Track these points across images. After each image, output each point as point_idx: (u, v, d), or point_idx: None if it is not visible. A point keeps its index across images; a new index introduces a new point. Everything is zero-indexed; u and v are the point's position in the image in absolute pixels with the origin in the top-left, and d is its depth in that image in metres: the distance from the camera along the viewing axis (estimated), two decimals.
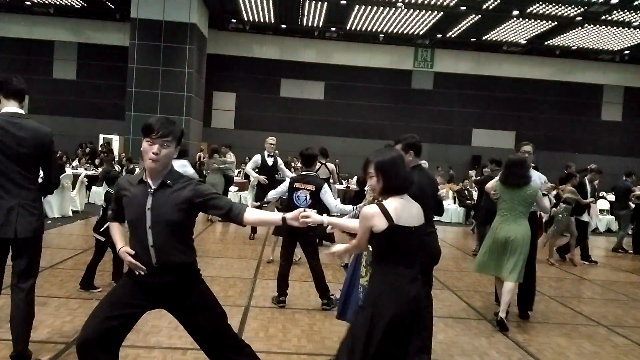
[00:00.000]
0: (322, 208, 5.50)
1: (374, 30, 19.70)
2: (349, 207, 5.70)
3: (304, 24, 19.58)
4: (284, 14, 18.89)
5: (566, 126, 21.61)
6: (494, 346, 4.50)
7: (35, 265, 3.37)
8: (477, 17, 17.23)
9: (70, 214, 10.63)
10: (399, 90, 22.05)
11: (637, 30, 17.11)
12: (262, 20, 19.64)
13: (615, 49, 19.86)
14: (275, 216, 2.70)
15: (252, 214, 2.68)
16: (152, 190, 2.61)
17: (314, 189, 5.42)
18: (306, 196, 5.40)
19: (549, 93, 21.82)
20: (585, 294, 5.17)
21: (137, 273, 2.63)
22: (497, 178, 5.40)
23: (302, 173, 5.67)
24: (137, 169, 7.82)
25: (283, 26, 20.18)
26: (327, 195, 5.47)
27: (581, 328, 5.19)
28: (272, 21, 19.68)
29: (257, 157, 8.78)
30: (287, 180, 5.67)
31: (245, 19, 19.59)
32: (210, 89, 20.62)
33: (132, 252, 2.61)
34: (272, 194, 5.88)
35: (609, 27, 17.04)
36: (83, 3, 19.41)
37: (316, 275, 5.43)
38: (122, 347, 2.72)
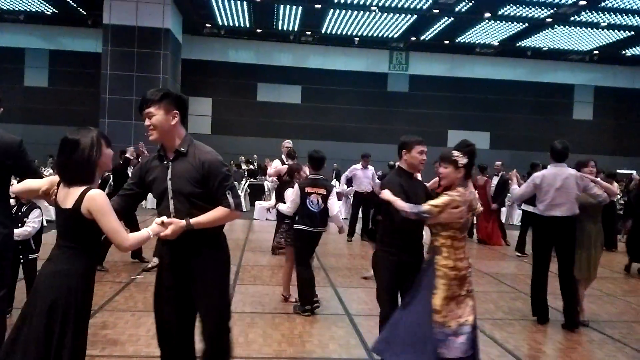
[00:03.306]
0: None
1: (349, 33, 19.82)
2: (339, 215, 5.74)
3: (279, 28, 19.59)
4: (259, 19, 18.87)
5: (539, 126, 22.02)
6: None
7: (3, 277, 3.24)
8: (450, 20, 17.46)
9: (45, 223, 10.41)
10: (375, 93, 22.20)
11: (605, 31, 17.54)
12: (237, 25, 19.59)
13: (585, 50, 20.32)
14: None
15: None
16: (168, 162, 2.72)
17: (325, 193, 5.41)
18: (318, 200, 5.36)
19: (521, 93, 22.21)
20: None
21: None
22: None
23: (311, 177, 5.56)
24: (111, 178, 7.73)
25: (258, 30, 20.15)
26: (334, 200, 5.47)
27: (557, 324, 5.28)
28: (247, 26, 19.64)
29: (276, 162, 8.52)
30: (296, 187, 5.47)
31: (220, 23, 19.51)
32: (186, 95, 20.41)
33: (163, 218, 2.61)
34: (286, 209, 5.50)
35: (578, 28, 17.44)
36: (54, 9, 19.09)
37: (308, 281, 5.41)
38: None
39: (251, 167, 17.71)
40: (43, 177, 2.83)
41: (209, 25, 19.91)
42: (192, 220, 2.58)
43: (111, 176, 7.66)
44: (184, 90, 19.85)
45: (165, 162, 2.74)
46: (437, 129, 21.38)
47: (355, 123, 21.77)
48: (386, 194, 3.43)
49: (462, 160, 3.32)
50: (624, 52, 20.04)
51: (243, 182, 14.84)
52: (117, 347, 4.15)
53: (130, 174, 7.00)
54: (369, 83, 22.08)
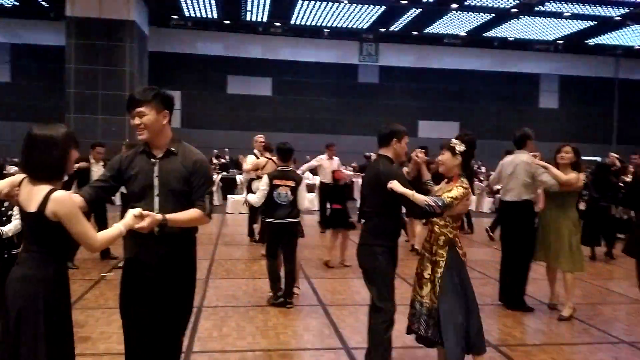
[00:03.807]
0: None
1: (319, 24, 19.76)
2: (310, 206, 5.74)
3: (248, 19, 19.40)
4: (227, 10, 18.64)
5: (506, 115, 22.42)
6: None
7: None
8: (418, 11, 17.58)
9: None
10: (346, 85, 22.24)
11: (569, 21, 17.92)
12: (204, 16, 19.32)
13: (550, 40, 20.74)
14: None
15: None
16: (156, 159, 2.70)
17: (294, 185, 5.38)
18: (287, 193, 5.33)
19: (489, 83, 22.57)
20: (530, 275, 5.45)
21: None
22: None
23: (280, 169, 5.53)
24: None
25: (227, 22, 19.92)
26: (302, 191, 5.46)
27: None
28: (215, 17, 19.39)
29: (251, 157, 8.41)
30: (265, 178, 5.47)
31: (187, 15, 19.21)
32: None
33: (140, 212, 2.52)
34: (254, 200, 5.52)
35: (543, 18, 17.78)
36: (15, 2, 18.47)
37: (290, 273, 5.41)
38: None
39: (223, 160, 17.57)
40: (7, 176, 2.74)
41: (175, 16, 19.58)
42: (168, 216, 2.56)
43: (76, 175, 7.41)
44: (151, 84, 19.32)
45: (152, 160, 2.72)
46: (408, 119, 21.50)
47: (326, 115, 21.79)
48: (397, 187, 3.26)
49: (460, 147, 3.41)
50: (587, 41, 20.52)
51: (215, 176, 14.71)
52: (88, 344, 4.09)
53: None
54: (339, 74, 22.10)
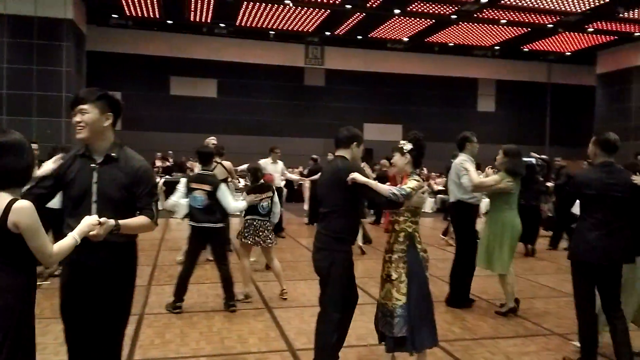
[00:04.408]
0: (220, 207, 5.46)
1: (264, 27, 19.69)
2: (243, 204, 5.71)
3: (192, 19, 19.07)
4: (170, 10, 18.25)
5: (447, 118, 23.12)
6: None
7: None
8: (362, 16, 17.85)
9: None
10: (292, 87, 22.29)
11: (505, 27, 18.71)
12: (146, 16, 18.83)
13: (487, 45, 21.56)
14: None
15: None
16: (96, 164, 2.62)
17: (210, 189, 5.33)
18: (203, 197, 5.29)
19: (431, 87, 23.23)
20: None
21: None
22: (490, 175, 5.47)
23: (198, 172, 5.56)
24: None
25: (169, 22, 19.50)
26: (224, 195, 5.41)
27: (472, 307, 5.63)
28: (158, 17, 18.95)
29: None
30: (183, 181, 5.49)
31: (128, 14, 18.67)
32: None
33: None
34: (170, 201, 5.67)
35: (481, 24, 18.47)
36: None
37: (225, 276, 5.37)
38: None
39: (167, 163, 17.20)
40: None
41: (115, 15, 18.98)
42: (121, 222, 2.51)
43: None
44: (90, 84, 18.76)
45: (91, 165, 2.64)
46: (353, 122, 21.48)
47: (272, 117, 21.74)
48: (359, 177, 3.29)
49: (407, 146, 3.57)
50: (522, 47, 21.48)
51: (158, 179, 14.35)
52: None
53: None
54: (285, 77, 22.11)
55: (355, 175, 3.29)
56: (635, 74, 19.60)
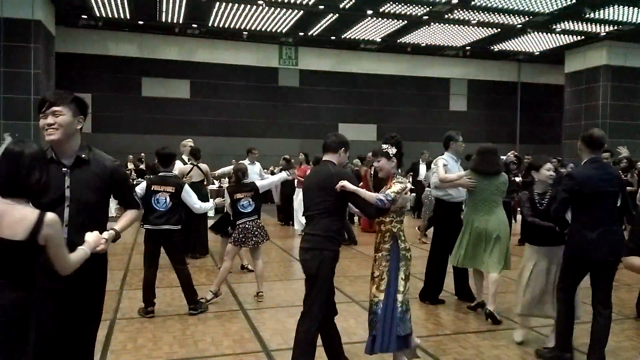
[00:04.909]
0: (185, 209, 5.43)
1: (237, 27, 19.57)
2: (210, 204, 5.69)
3: (163, 20, 18.83)
4: (140, 10, 17.98)
5: (420, 117, 23.36)
6: (361, 326, 4.78)
7: None
8: (336, 16, 17.90)
9: None
10: (266, 88, 22.21)
11: (476, 28, 18.98)
12: (116, 16, 18.51)
13: (459, 46, 21.84)
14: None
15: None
16: (67, 168, 2.60)
17: (173, 191, 5.27)
18: (166, 199, 5.23)
19: (404, 87, 23.41)
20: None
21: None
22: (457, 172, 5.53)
23: (160, 174, 5.49)
24: None
25: (140, 22, 19.21)
26: (188, 196, 5.38)
27: (446, 302, 5.70)
28: (128, 17, 18.65)
29: (177, 163, 8.06)
30: (144, 183, 5.42)
31: (97, 14, 18.33)
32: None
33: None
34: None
35: (452, 25, 18.70)
36: None
37: (183, 280, 5.33)
38: None
39: (141, 166, 16.96)
40: None
41: (85, 16, 18.61)
42: (117, 228, 2.63)
43: None
44: (60, 86, 18.41)
45: (63, 169, 2.60)
46: (328, 122, 21.89)
47: (247, 118, 21.63)
48: (349, 185, 3.40)
49: (392, 150, 3.73)
50: (492, 47, 21.82)
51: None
52: None
53: None
54: (259, 78, 22.02)
55: (345, 184, 3.40)
56: (602, 72, 20.14)
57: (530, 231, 4.40)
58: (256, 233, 5.73)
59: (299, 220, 10.90)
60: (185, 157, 8.39)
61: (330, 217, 3.49)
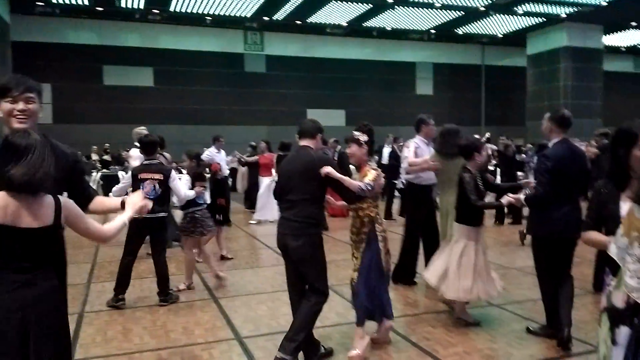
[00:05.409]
0: (169, 196, 5.35)
1: (200, 12, 19.20)
2: (192, 192, 5.61)
3: (123, 6, 18.32)
4: None
5: (388, 102, 23.47)
6: (333, 309, 4.81)
7: None
8: (300, 0, 17.75)
9: None
10: (233, 74, 21.92)
11: (440, 11, 19.13)
12: (73, 3, 17.93)
13: (423, 29, 21.99)
14: (114, 201, 2.76)
15: (96, 203, 2.73)
16: None
17: (162, 178, 5.19)
18: (155, 186, 5.14)
19: (370, 72, 23.45)
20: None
21: None
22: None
23: (145, 162, 5.39)
24: None
25: (99, 9, 18.65)
26: (177, 183, 5.30)
27: (418, 285, 5.78)
28: (86, 4, 18.08)
29: (134, 151, 7.79)
30: (129, 173, 5.32)
31: (54, 1, 17.71)
32: None
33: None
34: (115, 190, 5.53)
35: (416, 8, 18.80)
36: None
37: (161, 271, 5.26)
38: None
39: (105, 157, 16.57)
40: None
41: (41, 3, 17.96)
42: (125, 218, 2.58)
43: None
44: None
45: None
46: (296, 108, 21.78)
47: (213, 105, 21.34)
48: (333, 172, 3.48)
49: (363, 138, 3.83)
50: (456, 30, 22.05)
51: (94, 173, 13.83)
52: None
53: None
54: (225, 64, 21.72)
55: (330, 170, 3.47)
56: (562, 54, 20.59)
57: (470, 212, 4.31)
58: (207, 221, 5.76)
59: (265, 209, 10.82)
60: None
61: (313, 203, 3.57)
